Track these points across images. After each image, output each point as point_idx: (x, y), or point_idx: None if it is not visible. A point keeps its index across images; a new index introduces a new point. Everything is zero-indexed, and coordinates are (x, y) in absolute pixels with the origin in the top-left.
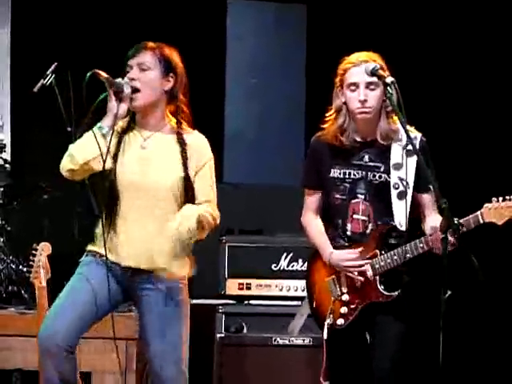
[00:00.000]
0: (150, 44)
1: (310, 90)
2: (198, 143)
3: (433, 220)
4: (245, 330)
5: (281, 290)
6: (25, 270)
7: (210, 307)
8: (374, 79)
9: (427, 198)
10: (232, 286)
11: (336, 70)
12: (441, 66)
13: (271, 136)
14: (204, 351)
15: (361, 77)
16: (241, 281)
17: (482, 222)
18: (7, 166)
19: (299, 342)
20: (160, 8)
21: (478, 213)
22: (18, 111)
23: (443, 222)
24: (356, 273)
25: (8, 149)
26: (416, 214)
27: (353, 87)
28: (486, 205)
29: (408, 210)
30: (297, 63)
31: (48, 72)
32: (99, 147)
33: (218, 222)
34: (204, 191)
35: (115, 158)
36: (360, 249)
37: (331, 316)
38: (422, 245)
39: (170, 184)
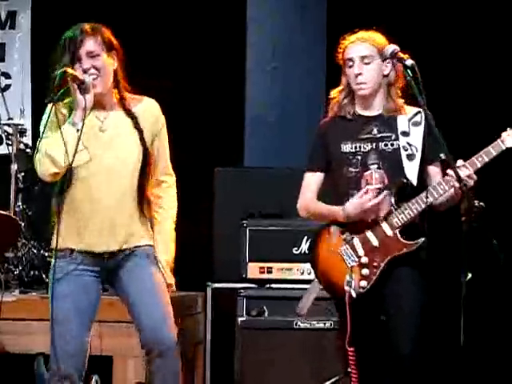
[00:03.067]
0: (88, 27)
1: (330, 72)
2: (149, 110)
3: None
4: (266, 314)
5: (302, 273)
6: (46, 254)
7: (231, 291)
8: (368, 52)
9: (434, 169)
10: (253, 270)
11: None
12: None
13: (292, 120)
14: (225, 335)
15: (355, 52)
16: (262, 264)
17: (504, 147)
18: (28, 150)
19: (320, 325)
20: None
21: (498, 140)
22: (38, 96)
23: (464, 204)
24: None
25: (29, 133)
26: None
27: (350, 63)
28: (503, 133)
29: (418, 169)
30: (318, 45)
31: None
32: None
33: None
34: (162, 163)
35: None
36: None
37: (353, 282)
38: (442, 186)
39: (133, 161)
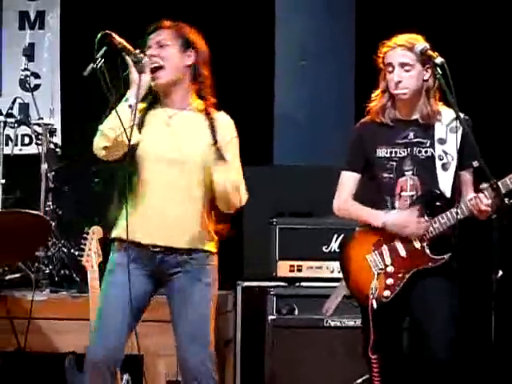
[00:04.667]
0: (167, 22)
1: (359, 71)
2: (225, 120)
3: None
4: (296, 312)
5: (332, 271)
6: (76, 253)
7: (261, 289)
8: (408, 60)
9: (467, 176)
10: (283, 268)
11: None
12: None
13: (321, 118)
14: (256, 333)
15: (395, 58)
16: (292, 263)
17: None
18: (58, 150)
19: (351, 323)
20: None
21: None
22: (68, 96)
23: (494, 202)
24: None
25: (58, 133)
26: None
27: (390, 68)
28: None
29: (452, 179)
30: (346, 44)
31: (97, 56)
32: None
33: (244, 202)
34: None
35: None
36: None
37: (376, 291)
38: (472, 201)
39: (200, 155)
